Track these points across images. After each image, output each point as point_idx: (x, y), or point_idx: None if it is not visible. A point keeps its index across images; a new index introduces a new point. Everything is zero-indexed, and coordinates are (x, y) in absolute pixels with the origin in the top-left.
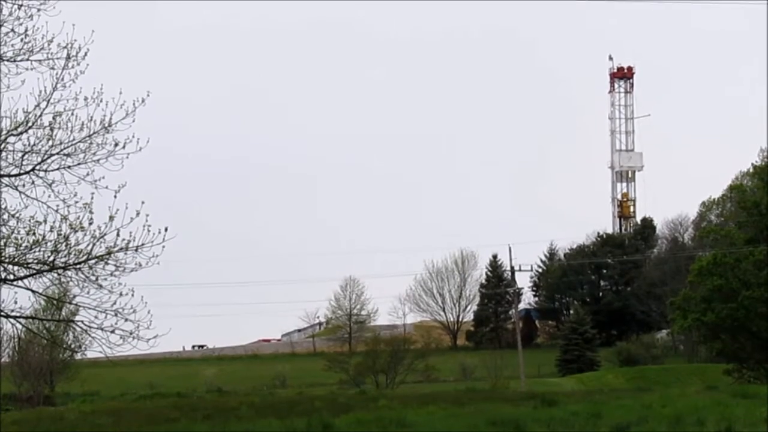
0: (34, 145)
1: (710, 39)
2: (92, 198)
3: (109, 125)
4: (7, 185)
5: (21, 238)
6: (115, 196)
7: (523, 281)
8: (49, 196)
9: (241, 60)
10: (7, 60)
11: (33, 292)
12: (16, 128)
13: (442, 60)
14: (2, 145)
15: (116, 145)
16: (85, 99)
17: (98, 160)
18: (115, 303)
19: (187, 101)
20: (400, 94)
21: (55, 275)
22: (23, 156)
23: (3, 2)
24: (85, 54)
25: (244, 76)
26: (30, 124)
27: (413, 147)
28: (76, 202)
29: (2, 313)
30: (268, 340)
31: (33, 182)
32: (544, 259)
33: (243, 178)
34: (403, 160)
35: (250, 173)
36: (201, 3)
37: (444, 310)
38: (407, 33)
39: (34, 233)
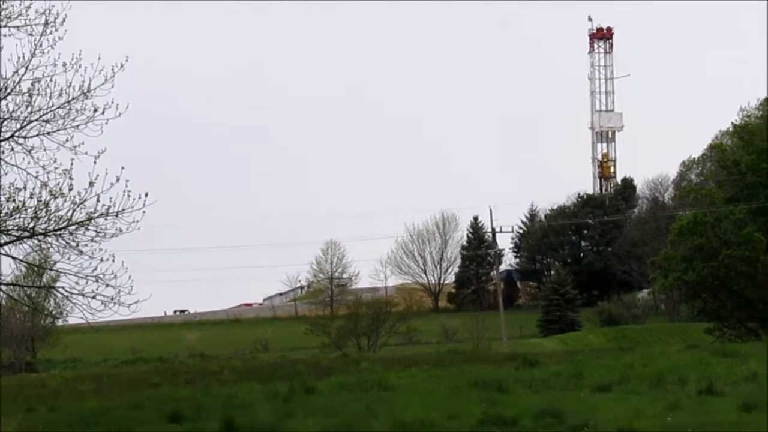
0: (12, 111)
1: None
2: (72, 164)
3: (88, 91)
4: None
5: (1, 205)
6: (95, 162)
7: (504, 243)
8: (29, 163)
9: (219, 23)
10: None
11: (13, 258)
12: None
13: (422, 26)
14: None
15: (95, 110)
16: (64, 65)
17: (77, 126)
18: (95, 269)
19: (167, 64)
20: (383, 58)
21: (36, 242)
22: (2, 123)
23: None
24: (63, 20)
25: (222, 39)
26: (9, 90)
27: (392, 111)
28: (56, 168)
29: None
30: (250, 305)
31: (12, 149)
32: (524, 220)
33: (223, 143)
34: (383, 124)
35: (231, 137)
36: None
37: (425, 273)
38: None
39: (14, 200)
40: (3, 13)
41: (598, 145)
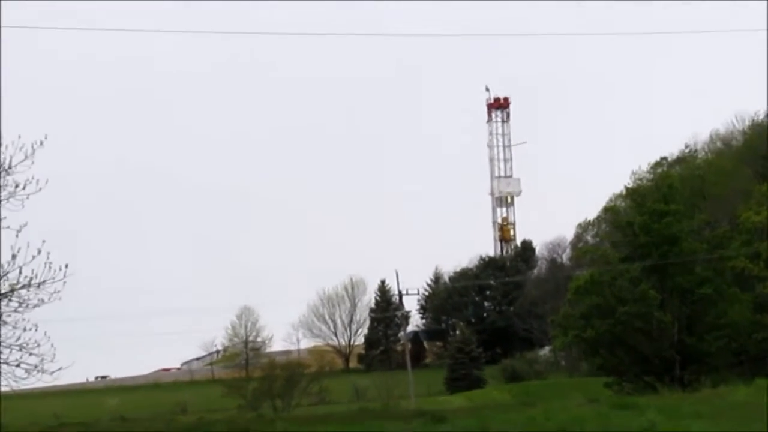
0: None
1: (581, 68)
2: None
3: (9, 167)
4: None
5: None
6: (17, 236)
7: (411, 304)
8: None
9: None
10: None
11: None
12: None
13: (325, 90)
14: None
15: (17, 186)
16: None
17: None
18: (19, 338)
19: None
20: (298, 114)
21: None
22: None
23: None
24: None
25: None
26: None
27: (294, 176)
28: None
29: None
30: (168, 369)
31: None
32: (429, 282)
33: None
34: (289, 185)
35: (142, 199)
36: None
37: (336, 335)
38: (286, 70)
39: None
40: None
41: (498, 209)
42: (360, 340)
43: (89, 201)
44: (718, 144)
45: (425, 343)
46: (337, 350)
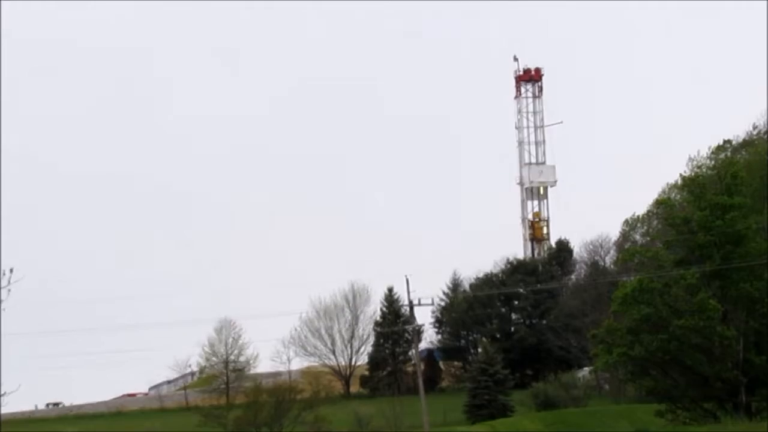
0: None
1: (629, 37)
2: None
3: None
4: None
5: None
6: None
7: (424, 317)
8: None
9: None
10: None
11: None
12: None
13: (334, 65)
14: None
15: None
16: None
17: None
18: None
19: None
20: (296, 107)
21: None
22: None
23: None
24: None
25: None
26: None
27: (290, 167)
28: None
29: None
30: (134, 395)
31: None
32: (446, 291)
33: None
34: (282, 179)
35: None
36: None
37: (334, 353)
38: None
39: None
40: None
41: (528, 202)
42: (363, 359)
43: (40, 202)
44: None
45: (441, 363)
46: (336, 372)
